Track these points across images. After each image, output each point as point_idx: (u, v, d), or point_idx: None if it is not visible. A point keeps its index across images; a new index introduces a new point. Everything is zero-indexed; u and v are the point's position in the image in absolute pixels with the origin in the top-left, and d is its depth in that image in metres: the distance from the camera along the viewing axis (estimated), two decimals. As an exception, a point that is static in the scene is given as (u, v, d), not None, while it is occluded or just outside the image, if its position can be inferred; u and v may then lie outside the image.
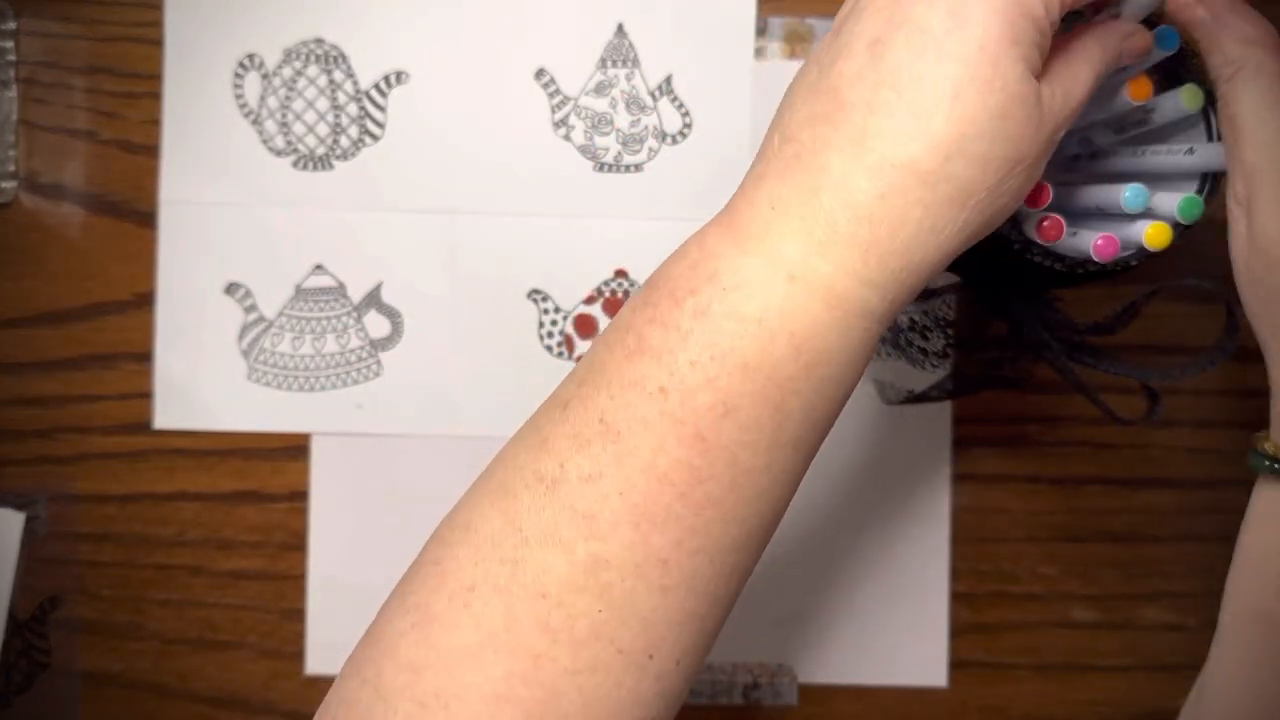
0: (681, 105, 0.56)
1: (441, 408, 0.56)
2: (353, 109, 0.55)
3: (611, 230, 0.56)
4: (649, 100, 0.56)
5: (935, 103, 0.30)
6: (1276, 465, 0.35)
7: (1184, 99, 0.39)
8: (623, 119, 0.56)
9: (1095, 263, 0.42)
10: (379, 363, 0.55)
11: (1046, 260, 0.42)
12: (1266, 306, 0.35)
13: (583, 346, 0.56)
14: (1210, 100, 0.41)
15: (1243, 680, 0.36)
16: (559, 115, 0.56)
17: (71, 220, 0.55)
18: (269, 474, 0.55)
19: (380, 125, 0.55)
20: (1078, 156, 0.45)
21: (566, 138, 0.56)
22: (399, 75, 0.55)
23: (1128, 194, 0.40)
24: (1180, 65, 0.41)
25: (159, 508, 0.55)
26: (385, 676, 0.31)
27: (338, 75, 0.55)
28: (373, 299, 0.55)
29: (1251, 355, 0.56)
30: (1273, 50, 0.34)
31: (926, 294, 0.48)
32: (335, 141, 0.55)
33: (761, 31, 0.56)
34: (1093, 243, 0.40)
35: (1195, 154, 0.40)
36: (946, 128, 0.30)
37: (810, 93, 0.32)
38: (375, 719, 0.30)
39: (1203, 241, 0.56)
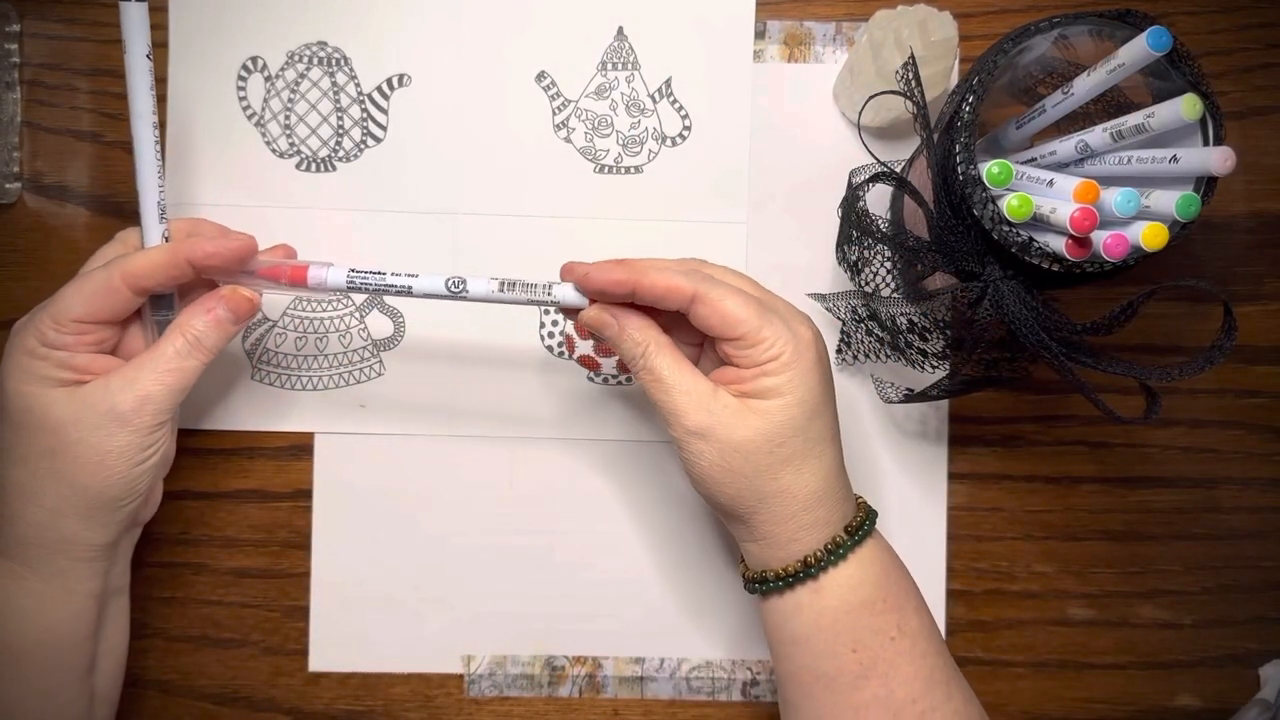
0: (681, 108, 0.56)
1: (443, 408, 0.56)
2: (355, 111, 0.55)
3: (612, 231, 0.56)
4: (649, 103, 0.56)
5: None
6: (783, 581, 0.44)
7: (1184, 109, 0.40)
8: (623, 121, 0.56)
9: (1094, 263, 0.42)
10: (381, 363, 0.56)
11: (1045, 260, 0.42)
12: (750, 487, 0.43)
13: (583, 346, 0.56)
14: (1210, 109, 0.41)
15: None
16: (560, 117, 0.56)
17: (75, 221, 0.55)
18: (272, 473, 0.56)
19: (383, 128, 0.55)
20: (1079, 161, 0.45)
21: (567, 140, 0.56)
22: (401, 78, 0.55)
23: (1118, 199, 0.40)
24: (1172, 67, 0.42)
25: (163, 506, 0.55)
26: None
27: (340, 78, 0.55)
28: (374, 300, 0.56)
29: (1249, 355, 0.57)
30: (660, 332, 0.45)
31: (926, 296, 0.49)
32: (338, 144, 0.55)
33: (760, 34, 0.56)
34: (1102, 242, 0.41)
35: (1180, 161, 0.41)
36: None
37: None
38: None
39: (1200, 242, 0.57)
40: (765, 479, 0.43)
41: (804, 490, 0.43)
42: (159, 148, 0.46)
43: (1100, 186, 0.42)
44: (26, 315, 0.45)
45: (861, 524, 0.44)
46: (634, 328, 0.45)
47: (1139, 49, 0.40)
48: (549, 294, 0.46)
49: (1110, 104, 0.47)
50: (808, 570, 0.43)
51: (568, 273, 0.46)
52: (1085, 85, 0.43)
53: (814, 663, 0.44)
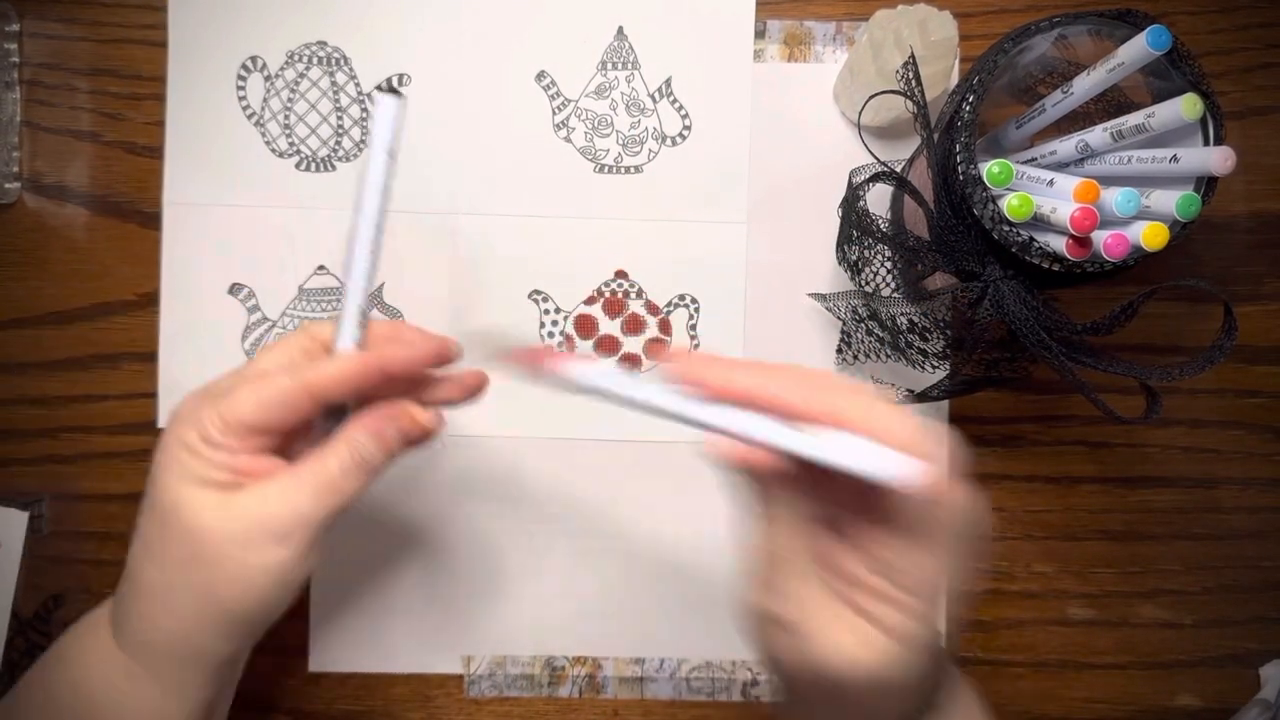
0: (681, 107, 0.56)
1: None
2: (355, 111, 0.55)
3: (612, 231, 0.56)
4: (649, 102, 0.56)
5: None
6: None
7: (1184, 109, 0.40)
8: (623, 121, 0.56)
9: (1094, 263, 0.42)
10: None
11: (1045, 260, 0.42)
12: None
13: (583, 346, 0.56)
14: (1210, 108, 0.41)
15: None
16: (560, 117, 0.56)
17: (75, 221, 0.55)
18: (272, 473, 0.56)
19: (382, 127, 0.55)
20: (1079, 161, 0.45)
21: (567, 139, 0.56)
22: (401, 78, 0.55)
23: (1119, 199, 0.40)
24: (1172, 66, 0.42)
25: (162, 507, 0.55)
26: None
27: (340, 77, 0.55)
28: (375, 300, 0.56)
29: (1249, 355, 0.57)
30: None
31: (926, 296, 0.48)
32: (338, 143, 0.55)
33: (760, 34, 0.56)
34: (1102, 242, 0.41)
35: (1180, 161, 0.41)
36: None
37: None
38: None
39: (1200, 242, 0.57)
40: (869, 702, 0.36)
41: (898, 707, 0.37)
42: (376, 251, 0.41)
43: (1100, 186, 0.42)
44: (190, 401, 0.41)
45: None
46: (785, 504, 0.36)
47: (1139, 48, 0.40)
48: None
49: (1110, 104, 0.47)
50: None
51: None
52: (1085, 84, 0.43)
53: None
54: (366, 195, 0.40)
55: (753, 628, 0.38)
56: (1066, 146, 0.45)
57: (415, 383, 0.44)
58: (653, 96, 0.56)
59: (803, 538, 0.36)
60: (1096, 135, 0.43)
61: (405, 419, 0.41)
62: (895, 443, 0.32)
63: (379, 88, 0.39)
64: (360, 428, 0.41)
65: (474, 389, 0.45)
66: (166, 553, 0.39)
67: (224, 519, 0.38)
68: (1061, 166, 0.45)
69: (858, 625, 0.34)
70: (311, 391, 0.39)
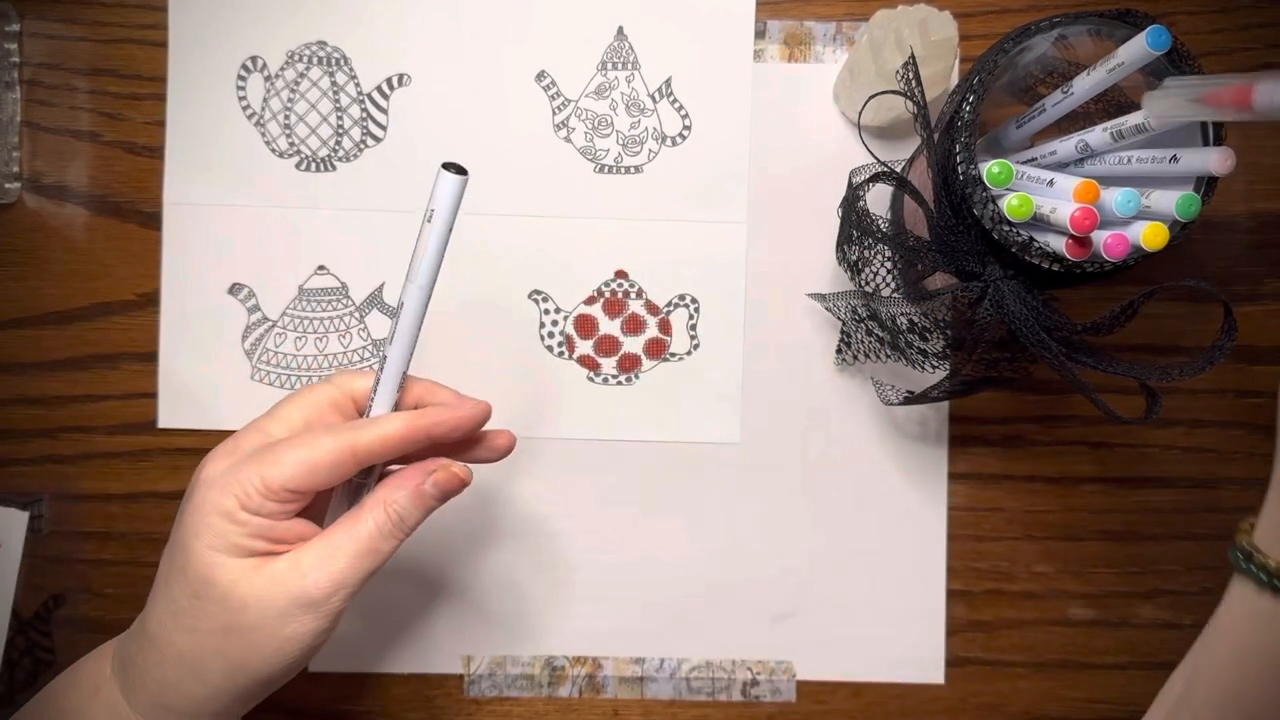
0: (681, 107, 0.56)
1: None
2: (355, 111, 0.55)
3: (612, 231, 0.56)
4: (649, 102, 0.56)
5: None
6: (1267, 578, 0.36)
7: None
8: (623, 121, 0.56)
9: (1094, 263, 0.42)
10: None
11: (1045, 260, 0.42)
12: None
13: (583, 346, 0.56)
14: None
15: None
16: (560, 117, 0.56)
17: (75, 221, 0.55)
18: (272, 473, 0.56)
19: (382, 127, 0.55)
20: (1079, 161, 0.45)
21: (567, 139, 0.56)
22: (401, 78, 0.55)
23: (1118, 199, 0.40)
24: (1172, 66, 0.42)
25: (162, 506, 0.55)
26: None
27: (340, 77, 0.55)
28: (375, 299, 0.56)
29: (1249, 355, 0.57)
30: None
31: (926, 296, 0.48)
32: (338, 143, 0.55)
33: (760, 34, 0.56)
34: (1103, 242, 0.41)
35: (1180, 161, 0.41)
36: None
37: None
38: None
39: (1200, 242, 0.57)
40: None
41: None
42: (421, 320, 0.41)
43: (1100, 186, 0.42)
44: (220, 463, 0.40)
45: None
46: None
47: (1138, 48, 0.40)
48: None
49: (1110, 104, 0.47)
50: None
51: None
52: (1085, 84, 0.43)
53: (1244, 686, 0.37)
54: (420, 267, 0.40)
55: None
56: (1066, 146, 0.44)
57: (451, 443, 0.43)
58: (653, 96, 0.56)
59: None
60: (1096, 135, 0.43)
61: (443, 475, 0.41)
62: None
63: (445, 165, 0.38)
64: (397, 487, 0.40)
65: (504, 450, 0.44)
66: (199, 623, 0.38)
67: (262, 590, 0.38)
68: (1061, 166, 0.45)
69: None
70: (358, 455, 0.39)
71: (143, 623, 0.40)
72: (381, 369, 0.42)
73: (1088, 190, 0.41)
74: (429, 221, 0.39)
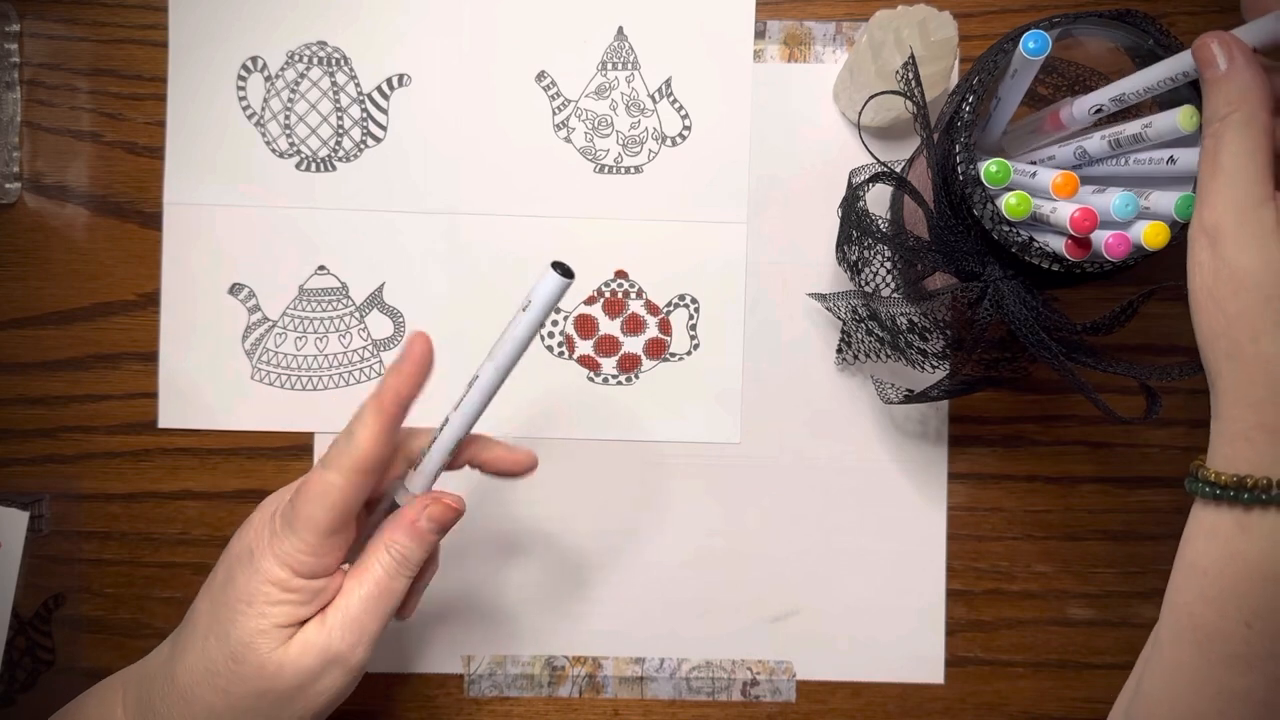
0: (681, 108, 0.56)
1: (443, 408, 0.56)
2: (355, 111, 0.55)
3: (612, 231, 0.56)
4: (649, 103, 0.56)
5: None
6: (1213, 490, 0.36)
7: (1180, 120, 0.40)
8: (623, 121, 0.56)
9: (1094, 263, 0.42)
10: (381, 362, 0.56)
11: (1045, 260, 0.42)
12: (1226, 332, 0.36)
13: (583, 346, 0.56)
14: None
15: (1174, 686, 0.38)
16: (560, 117, 0.56)
17: (76, 221, 0.55)
18: (272, 473, 0.56)
19: (382, 127, 0.55)
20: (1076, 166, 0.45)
21: (567, 140, 0.56)
22: (401, 78, 0.55)
23: (1116, 202, 0.40)
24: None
25: (163, 506, 0.55)
26: None
27: (340, 78, 0.55)
28: (375, 299, 0.56)
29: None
30: (1265, 103, 0.36)
31: (926, 296, 0.48)
32: (338, 143, 0.55)
33: (760, 34, 0.56)
34: (1104, 242, 0.41)
35: (1177, 162, 0.41)
36: None
37: None
38: None
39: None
40: (1243, 328, 0.35)
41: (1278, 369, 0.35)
42: (491, 398, 0.42)
43: (1099, 188, 0.42)
44: (268, 522, 0.41)
45: None
46: (1240, 84, 0.36)
47: (1169, 124, 0.40)
48: None
49: (1078, 83, 0.47)
50: (1241, 491, 0.36)
51: None
52: (1096, 146, 0.43)
53: (1199, 605, 0.36)
54: (504, 349, 0.41)
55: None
56: (1065, 153, 0.45)
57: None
58: (653, 97, 0.56)
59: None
60: (1094, 143, 0.43)
61: (437, 509, 0.42)
62: None
63: (554, 264, 0.39)
64: (396, 528, 0.42)
65: (529, 468, 0.46)
66: (234, 685, 0.39)
67: (296, 655, 0.39)
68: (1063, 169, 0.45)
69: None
70: (362, 469, 0.40)
71: (169, 671, 0.41)
72: (440, 431, 0.43)
73: (1068, 182, 0.41)
74: (523, 310, 0.40)
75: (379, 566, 0.41)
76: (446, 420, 0.42)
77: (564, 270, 0.39)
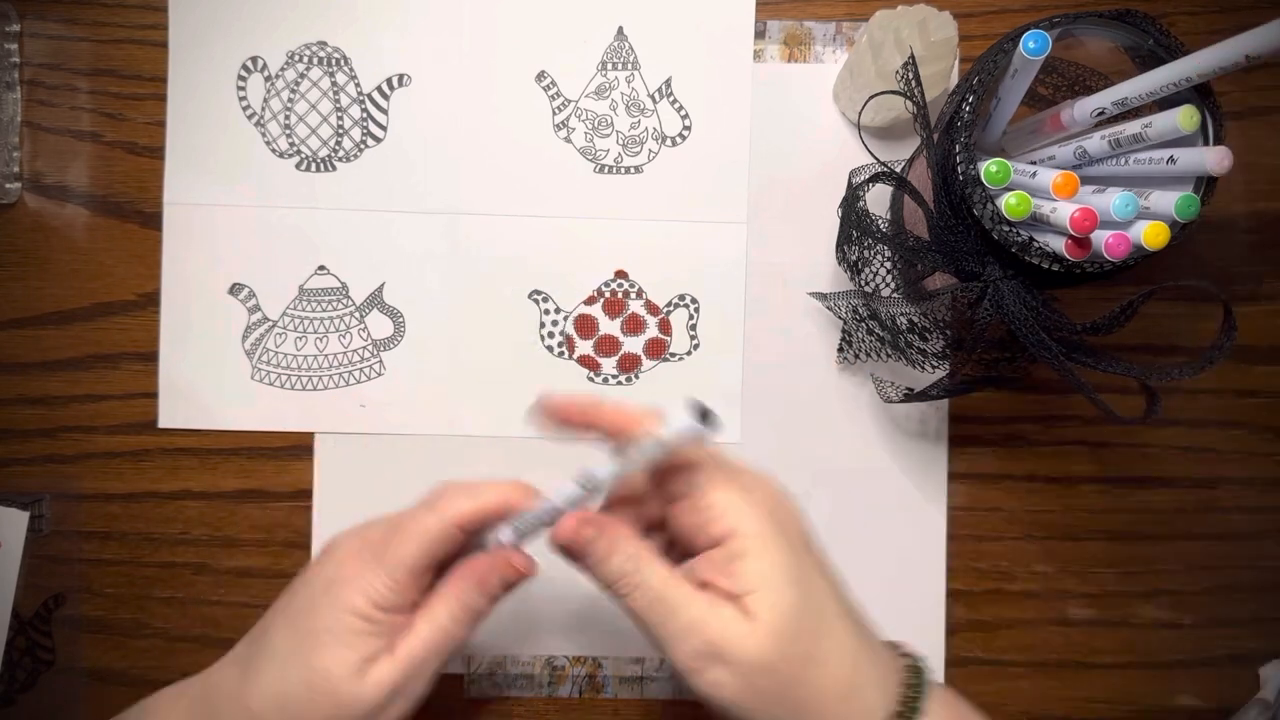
0: (681, 108, 0.56)
1: (443, 407, 0.56)
2: (355, 111, 0.55)
3: (612, 231, 0.56)
4: (649, 103, 0.56)
5: None
6: None
7: (1180, 120, 0.40)
8: (623, 121, 0.56)
9: (1094, 263, 0.42)
10: (381, 362, 0.56)
11: (1045, 260, 0.42)
12: (784, 715, 0.37)
13: (583, 346, 0.56)
14: (1210, 109, 0.41)
15: None
16: (560, 117, 0.56)
17: (76, 221, 0.55)
18: (272, 473, 0.56)
19: (382, 127, 0.55)
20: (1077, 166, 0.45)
21: (567, 140, 0.56)
22: (401, 78, 0.55)
23: (1116, 202, 0.40)
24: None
25: (163, 506, 0.55)
26: None
27: (340, 78, 0.55)
28: (375, 299, 0.56)
29: (1249, 355, 0.57)
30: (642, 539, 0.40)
31: (926, 296, 0.48)
32: (338, 143, 0.55)
33: (760, 34, 0.56)
34: (1104, 242, 0.41)
35: (1177, 162, 0.41)
36: None
37: None
38: None
39: (1199, 242, 0.57)
40: (796, 689, 0.37)
41: (835, 684, 0.37)
42: (587, 504, 0.42)
43: (1099, 188, 0.42)
44: (356, 554, 0.42)
45: (913, 693, 0.38)
46: (625, 537, 0.40)
47: (1169, 123, 0.40)
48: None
49: (1078, 84, 0.47)
50: None
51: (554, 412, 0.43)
52: (1096, 146, 0.43)
53: None
54: (631, 460, 0.40)
55: (687, 679, 0.38)
56: (1065, 153, 0.45)
57: None
58: (653, 97, 0.56)
59: (667, 573, 0.39)
60: (1094, 143, 0.43)
61: (507, 569, 0.43)
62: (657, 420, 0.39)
63: (701, 411, 0.38)
64: (466, 579, 0.42)
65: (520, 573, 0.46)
66: (306, 712, 0.40)
67: (373, 690, 0.40)
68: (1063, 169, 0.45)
69: (727, 611, 0.37)
70: (462, 525, 0.41)
71: (240, 692, 0.41)
72: (545, 504, 0.42)
73: (1068, 182, 0.41)
74: (658, 439, 0.39)
75: (446, 615, 0.42)
76: (556, 501, 0.42)
77: (704, 415, 0.38)
